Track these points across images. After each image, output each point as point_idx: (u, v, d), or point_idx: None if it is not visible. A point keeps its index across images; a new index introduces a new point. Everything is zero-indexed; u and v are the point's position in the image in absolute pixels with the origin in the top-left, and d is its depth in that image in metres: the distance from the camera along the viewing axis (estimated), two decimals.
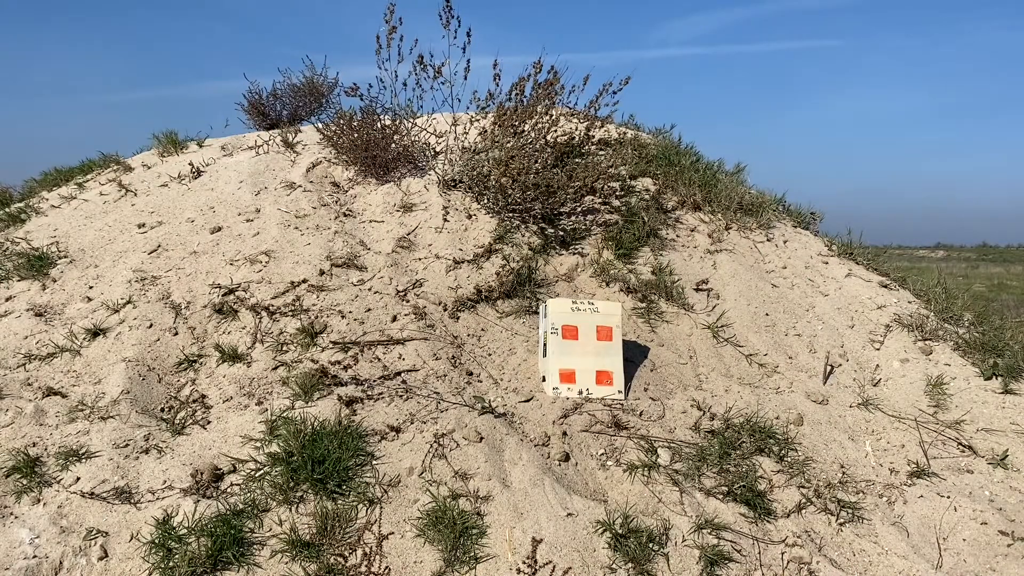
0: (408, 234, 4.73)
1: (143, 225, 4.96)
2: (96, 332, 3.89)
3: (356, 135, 5.34)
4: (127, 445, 3.18)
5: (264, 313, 3.98)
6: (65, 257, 4.69)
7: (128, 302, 4.10)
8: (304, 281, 4.21)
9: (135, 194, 5.46)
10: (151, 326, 3.91)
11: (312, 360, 3.66)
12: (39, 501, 2.92)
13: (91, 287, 4.36)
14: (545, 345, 3.82)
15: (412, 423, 3.32)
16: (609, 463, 3.34)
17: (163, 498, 2.92)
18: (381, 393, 3.48)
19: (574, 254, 4.80)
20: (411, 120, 5.51)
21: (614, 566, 2.81)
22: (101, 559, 2.71)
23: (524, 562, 2.77)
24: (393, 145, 5.35)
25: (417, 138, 5.53)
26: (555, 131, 5.28)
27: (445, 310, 4.15)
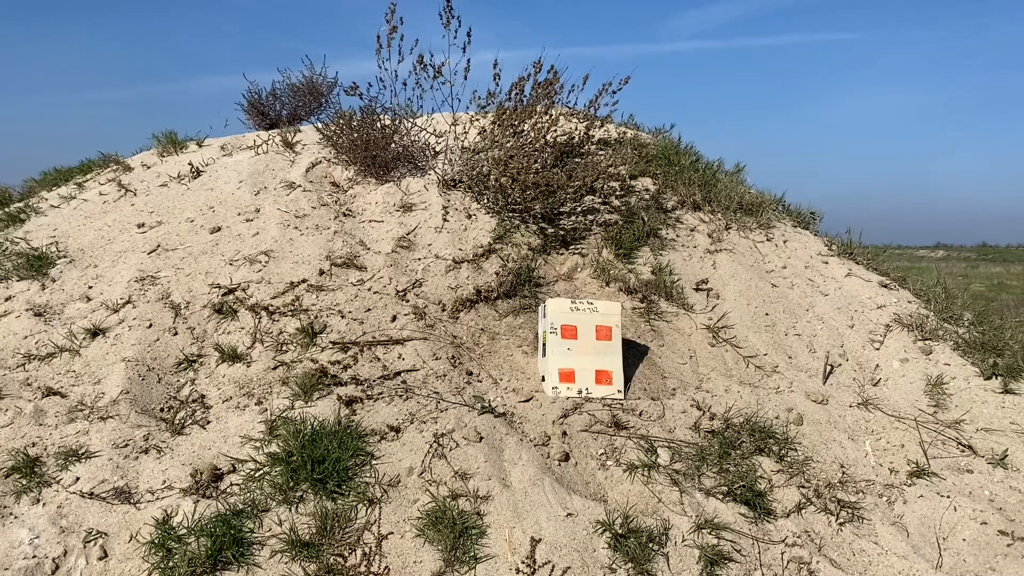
0: (408, 234, 4.73)
1: (143, 225, 4.95)
2: (96, 332, 3.89)
3: (356, 135, 5.33)
4: (127, 445, 3.18)
5: (264, 313, 3.98)
6: (64, 257, 4.69)
7: (127, 302, 4.10)
8: (304, 281, 4.21)
9: (135, 194, 5.46)
10: (151, 326, 3.90)
11: (312, 360, 3.66)
12: (39, 501, 2.92)
13: (90, 287, 4.36)
14: (544, 345, 3.82)
15: (412, 423, 3.32)
16: (609, 463, 3.34)
17: (163, 498, 2.92)
18: (381, 393, 3.48)
19: (574, 254, 4.80)
20: (411, 120, 5.50)
21: (614, 566, 2.81)
22: (101, 559, 2.70)
23: (524, 562, 2.77)
24: (393, 145, 5.34)
25: (417, 138, 5.53)
26: (555, 131, 5.28)
27: (445, 310, 4.15)
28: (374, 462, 3.11)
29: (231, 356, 3.71)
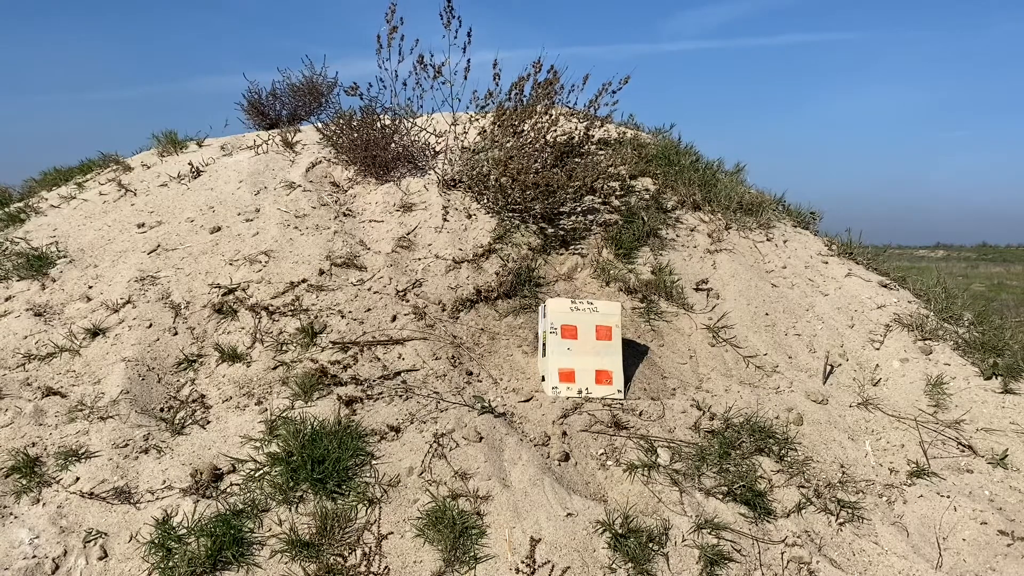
0: (408, 234, 4.73)
1: (143, 225, 4.95)
2: (96, 332, 3.89)
3: (356, 135, 5.33)
4: (126, 445, 3.18)
5: (264, 313, 3.98)
6: (64, 257, 4.69)
7: (127, 302, 4.10)
8: (304, 281, 4.21)
9: (135, 194, 5.46)
10: (150, 326, 3.91)
11: (312, 360, 3.66)
12: (39, 501, 2.92)
13: (90, 287, 4.36)
14: (544, 345, 3.82)
15: (412, 423, 3.32)
16: (609, 463, 3.34)
17: (163, 498, 2.92)
18: (381, 393, 3.48)
19: (574, 254, 4.80)
20: (411, 120, 5.51)
21: (614, 566, 2.81)
22: (101, 559, 2.71)
23: (523, 562, 2.77)
24: (393, 145, 5.34)
25: (417, 138, 5.53)
26: (555, 131, 5.28)
27: (445, 310, 4.15)
28: (374, 462, 3.11)
29: (231, 356, 3.71)
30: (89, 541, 2.76)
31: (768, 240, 5.49)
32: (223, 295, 4.13)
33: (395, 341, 3.82)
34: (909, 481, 3.59)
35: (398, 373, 3.63)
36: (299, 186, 5.18)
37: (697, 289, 4.74)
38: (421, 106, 5.36)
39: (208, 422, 3.37)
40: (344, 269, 4.35)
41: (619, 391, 3.77)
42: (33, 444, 3.20)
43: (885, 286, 5.28)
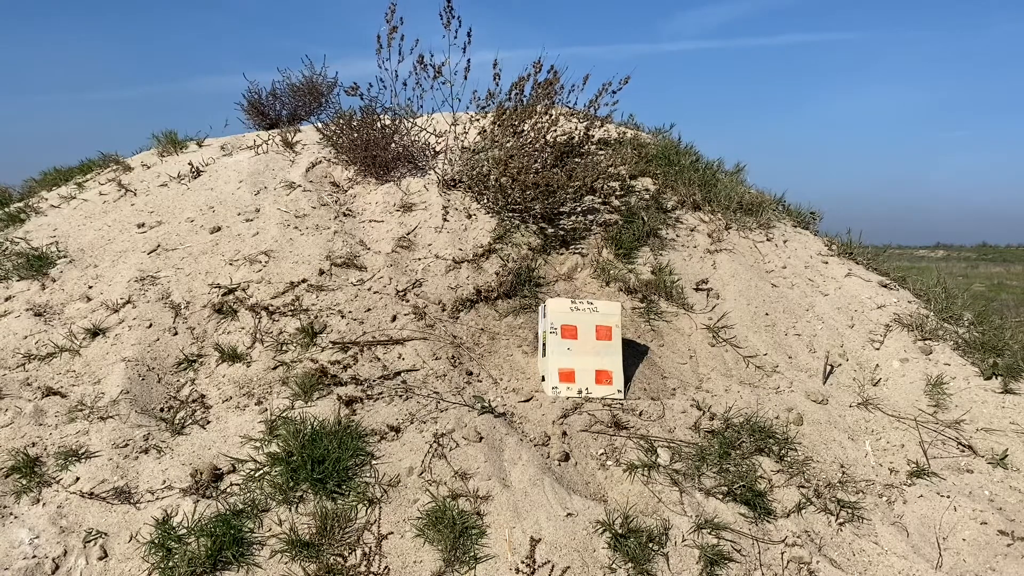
0: (408, 234, 4.73)
1: (143, 225, 4.95)
2: (95, 332, 3.89)
3: (356, 135, 5.33)
4: (126, 445, 3.18)
5: (264, 313, 3.98)
6: (64, 257, 4.69)
7: (127, 302, 4.10)
8: (303, 281, 4.21)
9: (135, 194, 5.46)
10: (151, 326, 3.91)
11: (312, 360, 3.66)
12: (38, 501, 2.92)
13: (90, 287, 4.36)
14: (544, 345, 3.82)
15: (412, 423, 3.32)
16: (609, 463, 3.34)
17: (163, 498, 2.92)
18: (381, 393, 3.48)
19: (574, 254, 4.80)
20: (411, 120, 5.51)
21: (614, 566, 2.81)
22: (101, 559, 2.71)
23: (523, 562, 2.77)
24: (393, 145, 5.34)
25: (417, 138, 5.53)
26: (555, 131, 5.28)
27: (445, 310, 4.15)
28: (374, 462, 3.11)
29: (231, 356, 3.71)
30: (89, 541, 2.76)
31: (768, 240, 5.50)
32: (223, 295, 4.13)
33: (395, 341, 3.82)
34: (909, 481, 3.59)
35: (398, 373, 3.63)
36: (299, 186, 5.18)
37: (697, 289, 4.75)
38: (421, 106, 5.37)
39: (208, 422, 3.37)
40: (344, 269, 4.35)
41: (619, 391, 3.77)
42: (33, 444, 3.20)
43: (885, 286, 5.28)
